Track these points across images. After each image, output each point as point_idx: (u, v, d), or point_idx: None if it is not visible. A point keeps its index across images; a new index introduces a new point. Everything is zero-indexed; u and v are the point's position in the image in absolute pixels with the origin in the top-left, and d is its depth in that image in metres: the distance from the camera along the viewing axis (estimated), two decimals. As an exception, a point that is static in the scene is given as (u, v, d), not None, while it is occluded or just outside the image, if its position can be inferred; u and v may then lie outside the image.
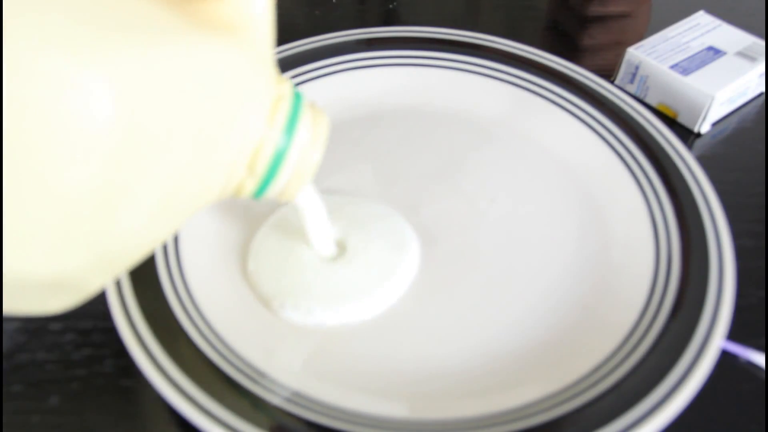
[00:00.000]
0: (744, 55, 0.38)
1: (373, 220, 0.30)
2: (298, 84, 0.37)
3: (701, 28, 0.41)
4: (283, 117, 0.20)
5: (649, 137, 0.33)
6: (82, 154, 0.14)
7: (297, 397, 0.24)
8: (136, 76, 0.15)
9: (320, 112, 0.22)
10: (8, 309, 0.17)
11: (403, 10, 0.47)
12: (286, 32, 0.43)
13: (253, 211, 0.31)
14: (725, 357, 0.27)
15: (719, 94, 0.36)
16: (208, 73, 0.17)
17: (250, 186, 0.20)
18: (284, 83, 0.21)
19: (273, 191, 0.21)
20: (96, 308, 0.28)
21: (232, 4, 0.18)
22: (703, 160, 0.36)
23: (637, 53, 0.39)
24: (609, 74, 0.41)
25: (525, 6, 0.48)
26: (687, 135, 0.37)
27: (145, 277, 0.26)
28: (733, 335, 0.27)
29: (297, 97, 0.21)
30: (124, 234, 0.17)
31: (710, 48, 0.39)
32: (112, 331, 0.27)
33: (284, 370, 0.25)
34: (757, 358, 0.26)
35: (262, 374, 0.24)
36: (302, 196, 0.25)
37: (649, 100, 0.39)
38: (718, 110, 0.37)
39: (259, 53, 0.19)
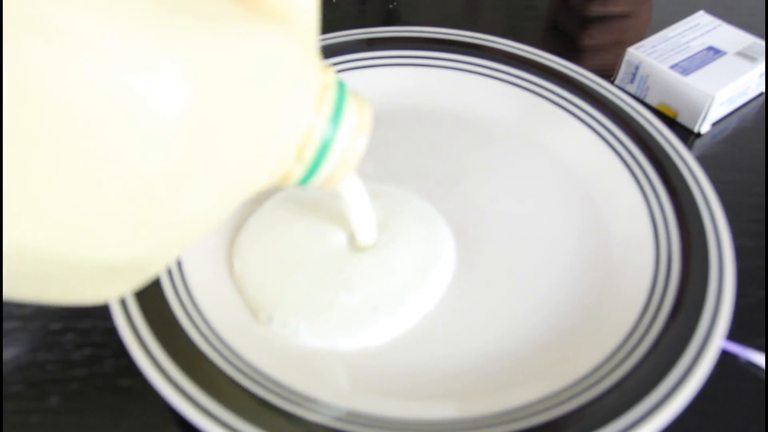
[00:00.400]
0: (744, 55, 0.38)
1: (405, 214, 0.29)
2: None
3: (701, 28, 0.41)
4: (329, 105, 0.20)
5: (649, 137, 0.33)
6: (160, 139, 0.14)
7: (297, 397, 0.24)
8: (209, 61, 0.15)
9: (363, 100, 0.22)
10: (64, 299, 0.17)
11: (403, 10, 0.47)
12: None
13: (255, 208, 0.31)
14: (725, 357, 0.27)
15: (719, 94, 0.36)
16: (265, 61, 0.17)
17: (297, 173, 0.21)
18: (328, 72, 0.21)
19: (319, 179, 0.21)
20: (96, 308, 0.28)
21: None
22: (703, 160, 0.36)
23: (637, 53, 0.39)
24: (609, 74, 0.41)
25: (525, 6, 0.48)
26: (687, 135, 0.37)
27: (145, 277, 0.26)
28: (733, 335, 0.27)
29: (341, 86, 0.21)
30: (187, 220, 0.17)
31: (710, 48, 0.39)
32: (112, 331, 0.27)
33: (284, 369, 0.25)
34: (757, 358, 0.26)
35: (263, 374, 0.24)
36: (346, 184, 0.24)
37: (649, 100, 0.39)
38: (718, 110, 0.37)
39: (306, 42, 0.19)
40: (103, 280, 0.17)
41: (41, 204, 0.14)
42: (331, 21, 0.46)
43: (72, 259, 0.15)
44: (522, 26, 0.46)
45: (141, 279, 0.18)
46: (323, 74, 0.21)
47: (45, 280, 0.16)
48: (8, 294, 0.16)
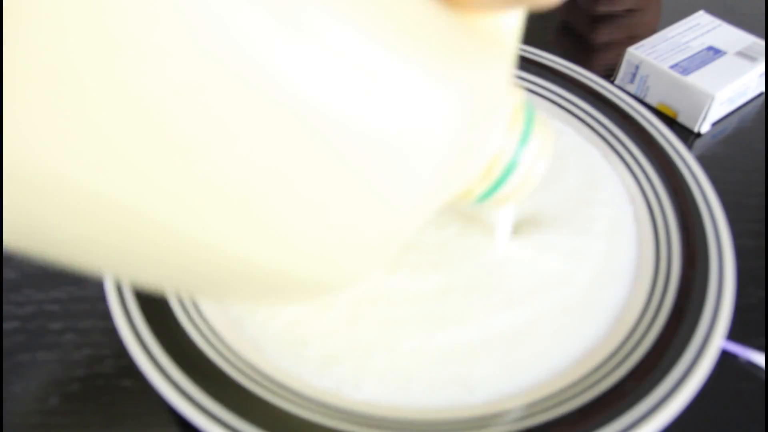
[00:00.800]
0: (744, 55, 0.38)
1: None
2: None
3: (701, 28, 0.41)
4: (519, 126, 0.20)
5: (649, 137, 0.33)
6: (423, 168, 0.15)
7: (298, 397, 0.24)
8: (470, 95, 0.15)
9: (547, 122, 0.22)
10: (259, 302, 0.18)
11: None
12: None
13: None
14: (725, 357, 0.27)
15: (719, 94, 0.36)
16: (487, 87, 0.17)
17: (479, 190, 0.21)
18: (518, 91, 0.21)
19: (497, 197, 0.22)
20: (96, 308, 0.28)
21: (491, 17, 0.19)
22: (703, 160, 0.36)
23: (637, 53, 0.39)
24: (613, 73, 0.41)
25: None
26: (687, 135, 0.37)
27: (145, 277, 0.26)
28: (733, 335, 0.27)
29: (529, 106, 0.21)
30: (401, 237, 0.17)
31: (710, 48, 0.39)
32: (112, 331, 0.27)
33: (285, 369, 0.25)
34: (757, 358, 0.26)
35: (263, 374, 0.24)
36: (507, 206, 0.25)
37: (649, 100, 0.39)
38: (718, 110, 0.37)
39: (507, 64, 0.19)
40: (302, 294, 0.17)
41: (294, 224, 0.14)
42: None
43: (286, 273, 0.15)
44: (532, 26, 0.46)
45: (315, 296, 0.18)
46: (516, 94, 0.21)
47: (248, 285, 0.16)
48: (212, 294, 0.16)
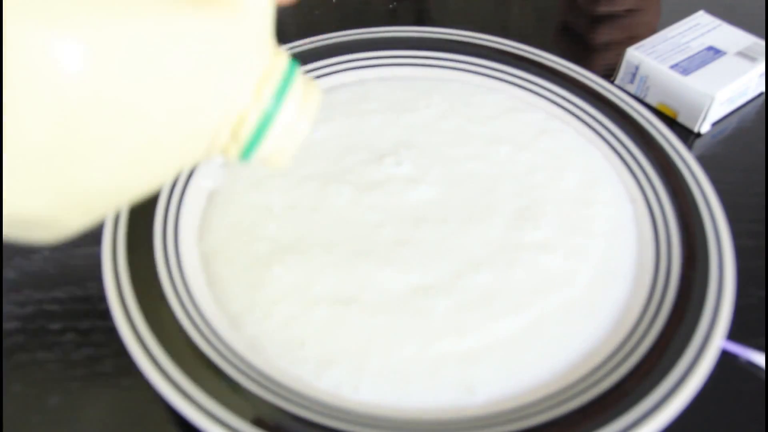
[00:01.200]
0: (744, 55, 0.38)
1: None
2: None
3: (701, 28, 0.41)
4: (271, 89, 0.21)
5: (649, 137, 0.33)
6: (43, 106, 0.16)
7: (298, 397, 0.24)
8: (108, 41, 0.16)
9: (312, 86, 0.23)
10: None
11: (403, 10, 0.47)
12: (281, 34, 0.43)
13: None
14: (725, 357, 0.26)
15: (719, 94, 0.36)
16: (192, 43, 0.18)
17: (234, 151, 0.22)
18: (280, 55, 0.22)
19: (258, 157, 0.23)
20: (96, 308, 0.28)
21: None
22: (703, 160, 0.36)
23: (637, 53, 0.39)
24: (612, 73, 0.41)
25: (535, 6, 0.48)
26: (687, 135, 0.37)
27: (145, 277, 0.26)
28: (733, 335, 0.27)
29: (290, 70, 0.22)
30: (95, 182, 0.18)
31: (710, 48, 0.39)
32: (112, 331, 0.27)
33: (284, 369, 0.25)
34: (757, 358, 0.26)
35: (263, 374, 0.24)
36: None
37: (649, 100, 0.39)
38: (718, 110, 0.37)
39: (252, 24, 0.20)
40: (18, 228, 0.18)
41: None
42: (332, 21, 0.46)
43: None
44: (533, 26, 0.46)
45: (61, 231, 0.19)
46: (272, 57, 0.22)
47: None
48: None
